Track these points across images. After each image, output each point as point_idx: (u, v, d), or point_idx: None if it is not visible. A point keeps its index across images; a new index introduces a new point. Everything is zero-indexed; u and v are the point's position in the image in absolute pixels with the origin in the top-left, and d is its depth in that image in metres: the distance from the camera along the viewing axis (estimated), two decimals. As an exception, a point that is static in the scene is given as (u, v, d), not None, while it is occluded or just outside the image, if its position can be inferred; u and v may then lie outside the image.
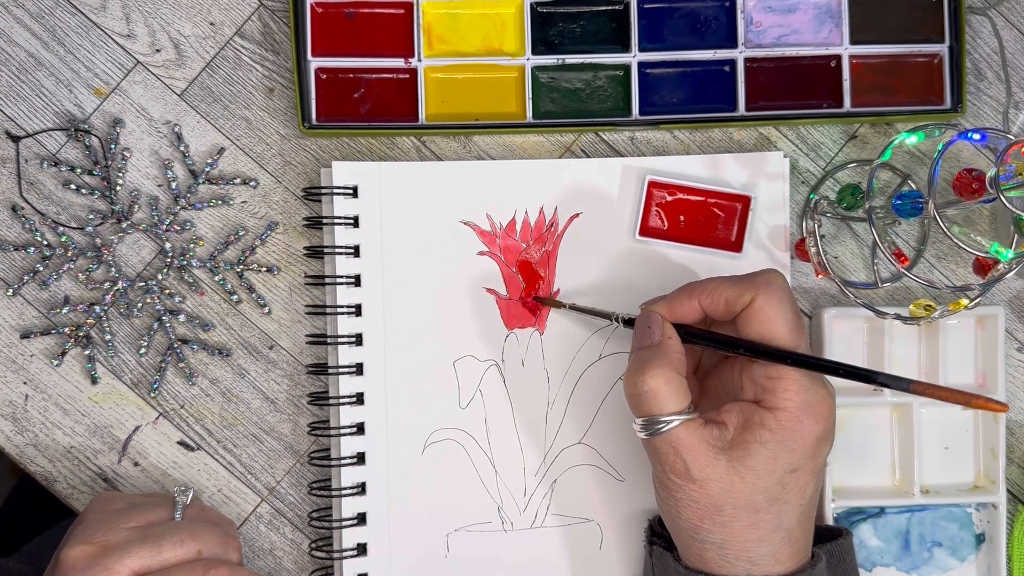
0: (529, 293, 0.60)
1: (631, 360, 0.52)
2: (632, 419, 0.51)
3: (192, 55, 0.60)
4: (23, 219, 0.59)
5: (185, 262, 0.60)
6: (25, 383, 0.60)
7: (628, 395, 0.51)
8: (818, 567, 0.52)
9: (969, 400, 0.45)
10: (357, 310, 0.59)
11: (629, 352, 0.53)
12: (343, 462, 0.58)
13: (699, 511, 0.50)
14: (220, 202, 0.60)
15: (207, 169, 0.60)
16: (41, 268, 0.59)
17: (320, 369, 0.59)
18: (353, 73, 0.60)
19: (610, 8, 0.61)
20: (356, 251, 0.59)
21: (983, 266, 0.57)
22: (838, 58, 0.61)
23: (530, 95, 0.60)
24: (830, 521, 0.60)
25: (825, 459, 0.51)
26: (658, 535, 0.56)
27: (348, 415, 0.59)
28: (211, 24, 0.61)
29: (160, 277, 0.60)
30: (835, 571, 0.54)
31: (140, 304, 0.60)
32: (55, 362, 0.60)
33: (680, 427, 0.49)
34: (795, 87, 0.61)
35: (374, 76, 0.60)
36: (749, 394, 0.51)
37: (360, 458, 0.59)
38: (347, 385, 0.59)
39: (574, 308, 0.58)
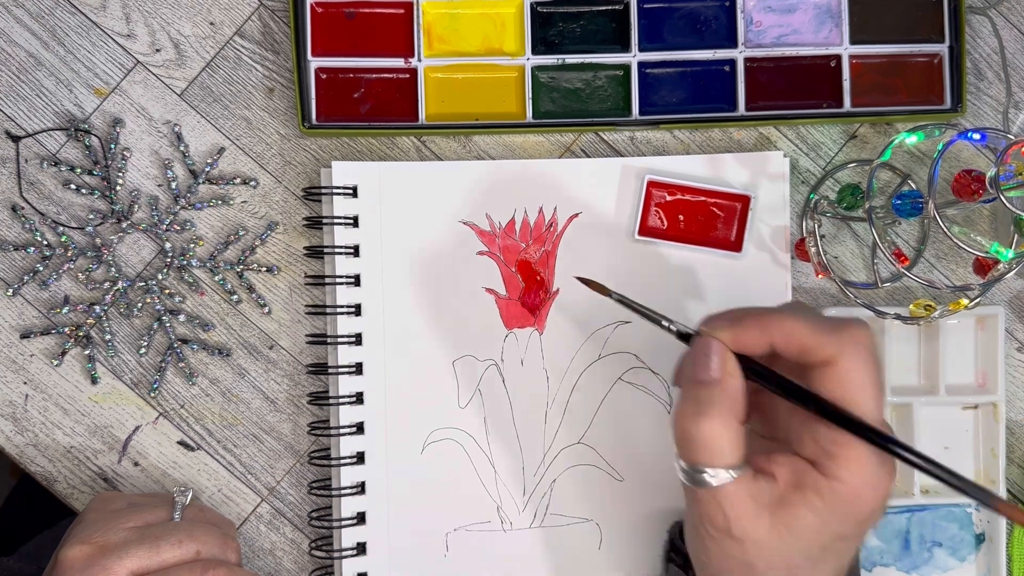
0: (528, 293, 0.60)
1: (684, 396, 0.45)
2: (675, 457, 0.46)
3: (192, 55, 0.60)
4: (23, 219, 0.59)
5: (185, 262, 0.60)
6: (25, 383, 0.60)
7: (678, 437, 0.45)
8: None
9: None
10: (357, 310, 0.59)
11: (675, 375, 0.48)
12: (343, 462, 0.58)
13: (731, 565, 0.45)
14: (220, 202, 0.60)
15: (207, 169, 0.60)
16: (41, 268, 0.59)
17: (320, 369, 0.59)
18: (353, 73, 0.60)
19: (610, 8, 0.61)
20: (356, 251, 0.59)
21: (983, 266, 0.57)
22: (838, 58, 0.61)
23: (530, 95, 0.60)
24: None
25: (873, 527, 0.46)
26: (677, 551, 0.55)
27: (348, 415, 0.59)
28: (211, 24, 0.61)
29: (160, 277, 0.60)
30: None
31: (140, 304, 0.60)
32: (55, 362, 0.60)
33: (733, 484, 0.44)
34: (795, 87, 0.61)
35: (374, 76, 0.60)
36: (808, 451, 0.44)
37: (360, 458, 0.59)
38: (347, 385, 0.59)
39: (621, 301, 0.51)
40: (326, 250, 0.59)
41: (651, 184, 0.60)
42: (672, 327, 0.49)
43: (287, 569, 0.61)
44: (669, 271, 0.60)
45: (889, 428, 0.45)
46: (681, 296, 0.60)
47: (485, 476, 0.60)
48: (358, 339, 0.59)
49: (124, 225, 0.60)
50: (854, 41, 0.61)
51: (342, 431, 0.59)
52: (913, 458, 0.43)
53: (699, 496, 0.45)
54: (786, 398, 0.45)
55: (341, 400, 0.58)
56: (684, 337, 0.48)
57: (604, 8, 0.61)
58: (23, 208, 0.60)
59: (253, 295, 0.60)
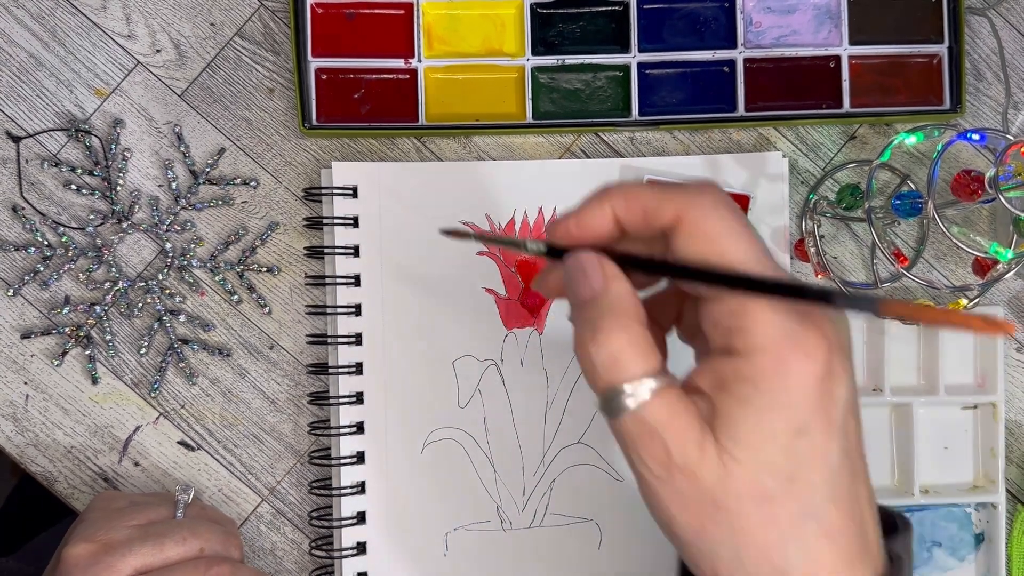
0: (528, 293, 0.60)
1: (576, 320, 0.39)
2: (594, 403, 0.39)
3: (192, 55, 0.61)
4: (24, 219, 0.59)
5: (186, 262, 0.60)
6: (26, 383, 0.60)
7: (584, 369, 0.38)
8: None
9: (967, 321, 0.34)
10: (357, 310, 0.59)
11: (544, 271, 0.43)
12: (343, 461, 0.59)
13: (695, 510, 0.37)
14: (220, 202, 0.60)
15: (207, 169, 0.60)
16: (42, 268, 0.60)
17: (320, 369, 0.59)
18: (353, 74, 0.60)
19: (610, 9, 0.61)
20: (356, 251, 0.59)
21: (982, 266, 0.57)
22: (837, 59, 0.61)
23: (530, 96, 0.60)
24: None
25: (848, 411, 0.37)
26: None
27: (348, 415, 0.59)
28: (211, 24, 0.61)
29: (160, 277, 0.60)
30: None
31: (141, 304, 0.60)
32: (56, 362, 0.60)
33: (654, 398, 0.36)
34: (794, 88, 0.61)
35: (374, 76, 0.60)
36: (717, 342, 0.37)
37: (360, 457, 0.59)
38: (347, 385, 0.59)
39: (481, 239, 0.52)
40: (326, 250, 0.59)
41: (651, 184, 0.60)
42: (531, 247, 0.42)
43: (287, 569, 0.61)
44: (669, 271, 0.60)
45: (776, 268, 0.38)
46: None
47: (485, 476, 0.60)
48: (358, 339, 0.59)
49: (125, 225, 0.60)
50: (853, 42, 0.61)
51: (342, 431, 0.59)
52: (771, 284, 0.36)
53: (627, 429, 0.37)
54: (648, 271, 0.40)
55: (341, 400, 0.59)
56: (552, 253, 0.42)
57: (604, 9, 0.61)
58: (24, 208, 0.60)
59: (253, 295, 0.60)
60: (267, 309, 0.61)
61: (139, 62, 0.60)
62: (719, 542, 0.37)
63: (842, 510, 0.37)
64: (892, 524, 0.41)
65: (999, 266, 0.55)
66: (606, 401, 0.37)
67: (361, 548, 0.59)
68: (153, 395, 0.60)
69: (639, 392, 0.37)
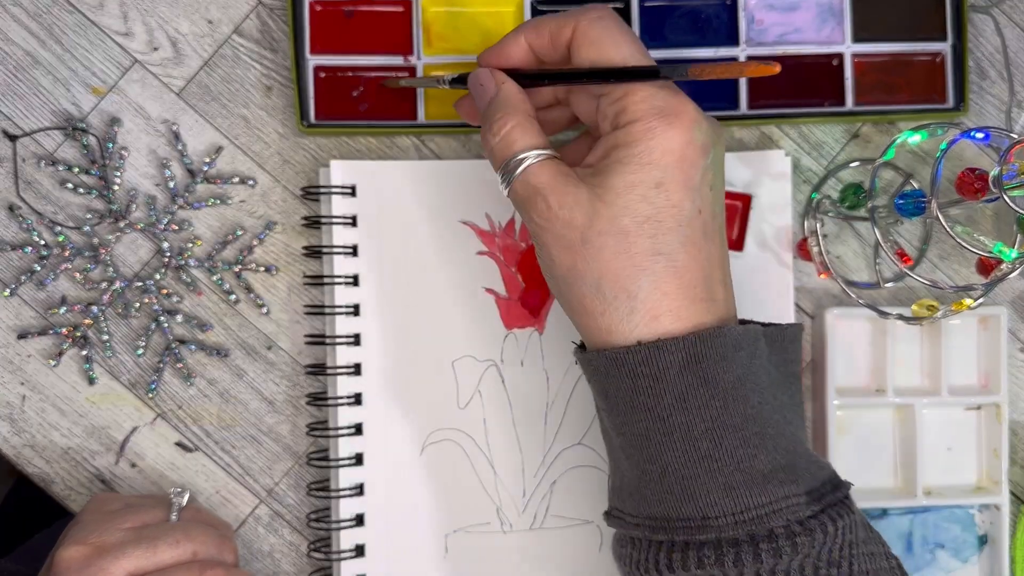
0: (529, 293, 0.60)
1: (483, 121, 0.49)
2: (499, 185, 0.49)
3: (190, 53, 0.60)
4: (20, 219, 0.59)
5: (183, 262, 0.60)
6: (22, 384, 0.60)
7: (488, 155, 0.49)
8: (741, 329, 0.46)
9: (740, 68, 0.44)
10: (355, 310, 0.59)
11: (463, 99, 0.53)
12: (341, 463, 0.58)
13: (569, 249, 0.46)
14: (218, 201, 0.60)
15: (205, 168, 0.60)
16: (38, 268, 0.59)
17: (318, 369, 0.59)
18: (352, 71, 0.60)
19: (610, 6, 0.60)
20: (354, 251, 0.59)
21: (986, 266, 0.57)
22: (840, 56, 0.61)
23: (530, 94, 0.60)
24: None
25: (705, 176, 0.46)
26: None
27: (346, 416, 0.58)
28: (209, 22, 0.60)
29: (158, 277, 0.60)
30: (774, 351, 0.48)
31: (138, 304, 0.59)
32: (52, 362, 0.59)
33: (536, 165, 0.46)
34: (797, 86, 0.61)
35: (373, 74, 0.60)
36: (606, 128, 0.47)
37: (358, 459, 0.58)
38: (345, 386, 0.58)
39: (406, 83, 0.58)
40: (324, 250, 0.59)
41: (652, 183, 0.59)
42: (444, 79, 0.54)
43: (286, 571, 0.61)
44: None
45: (648, 59, 0.48)
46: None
47: (485, 477, 0.59)
48: (357, 339, 0.58)
49: (121, 225, 0.59)
50: (856, 40, 0.61)
51: (341, 432, 0.58)
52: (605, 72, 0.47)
53: (518, 193, 0.47)
54: (552, 82, 0.50)
55: (340, 401, 0.58)
56: (459, 81, 0.53)
57: (605, 6, 0.60)
58: (20, 208, 0.59)
59: (251, 295, 0.60)
60: (265, 309, 0.60)
61: (136, 60, 0.60)
62: (585, 275, 0.46)
63: (690, 255, 0.46)
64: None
65: (1003, 266, 0.54)
66: (503, 176, 0.48)
67: (360, 550, 0.58)
68: (150, 396, 0.60)
69: (526, 162, 0.47)
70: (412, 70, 0.60)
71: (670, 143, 0.45)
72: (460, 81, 0.53)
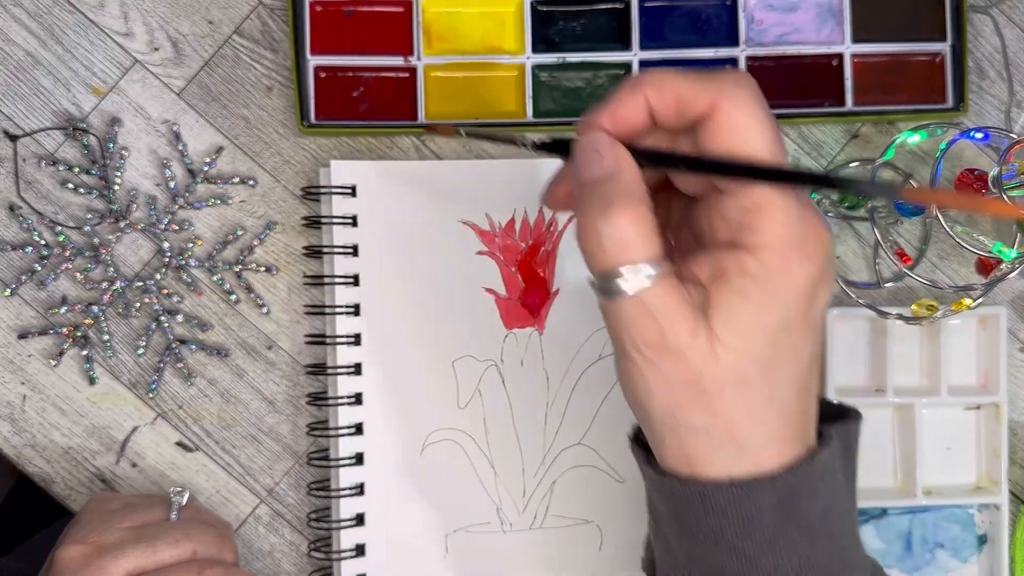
0: (529, 293, 0.60)
1: (582, 200, 0.40)
2: (588, 281, 0.40)
3: (190, 54, 0.60)
4: (21, 219, 0.59)
5: (183, 262, 0.60)
6: (23, 383, 0.60)
7: (586, 246, 0.39)
8: (827, 451, 0.41)
9: (974, 203, 0.37)
10: (356, 310, 0.59)
11: (547, 197, 0.44)
12: (341, 463, 0.58)
13: (676, 391, 0.39)
14: (218, 201, 0.60)
15: (205, 168, 0.60)
16: (39, 268, 0.59)
17: (319, 369, 0.59)
18: (352, 72, 0.60)
19: (611, 6, 0.61)
20: (355, 251, 0.59)
21: (986, 266, 0.57)
22: (840, 57, 0.61)
23: (530, 94, 0.60)
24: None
25: (823, 311, 0.40)
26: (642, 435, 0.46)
27: (347, 415, 0.58)
28: (209, 23, 0.60)
29: (158, 277, 0.60)
30: (844, 458, 0.43)
31: (138, 304, 0.60)
32: (53, 362, 0.59)
33: (654, 284, 0.38)
34: (797, 86, 0.61)
35: (373, 75, 0.60)
36: (722, 234, 0.39)
37: (359, 459, 0.59)
38: (346, 385, 0.58)
39: (471, 134, 0.51)
40: (325, 250, 0.59)
41: (652, 183, 0.59)
42: (531, 143, 0.44)
43: (286, 571, 0.61)
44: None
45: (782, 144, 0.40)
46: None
47: (485, 477, 0.59)
48: (357, 339, 0.59)
49: (122, 225, 0.59)
50: (856, 40, 0.61)
51: (341, 432, 0.58)
52: (814, 177, 0.39)
53: (624, 311, 0.39)
54: (675, 168, 0.41)
55: (340, 401, 0.58)
56: (555, 148, 0.43)
57: (605, 6, 0.60)
58: (21, 208, 0.59)
59: (251, 295, 0.60)
60: (265, 309, 0.60)
61: (137, 60, 0.60)
62: (692, 419, 0.39)
63: (801, 400, 0.40)
64: (842, 412, 0.45)
65: (1002, 266, 0.55)
66: (604, 281, 0.39)
67: (360, 550, 0.58)
68: (151, 396, 0.60)
69: (639, 276, 0.38)
70: (412, 70, 0.60)
71: (804, 281, 0.38)
72: (551, 148, 0.42)
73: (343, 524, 0.58)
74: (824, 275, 0.39)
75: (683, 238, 0.43)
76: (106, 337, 0.59)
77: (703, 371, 0.38)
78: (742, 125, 0.38)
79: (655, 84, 0.40)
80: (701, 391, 0.39)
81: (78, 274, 0.59)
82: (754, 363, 0.39)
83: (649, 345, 0.39)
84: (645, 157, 0.40)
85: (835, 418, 0.44)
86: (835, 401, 0.47)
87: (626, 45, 0.60)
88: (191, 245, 0.60)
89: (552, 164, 0.44)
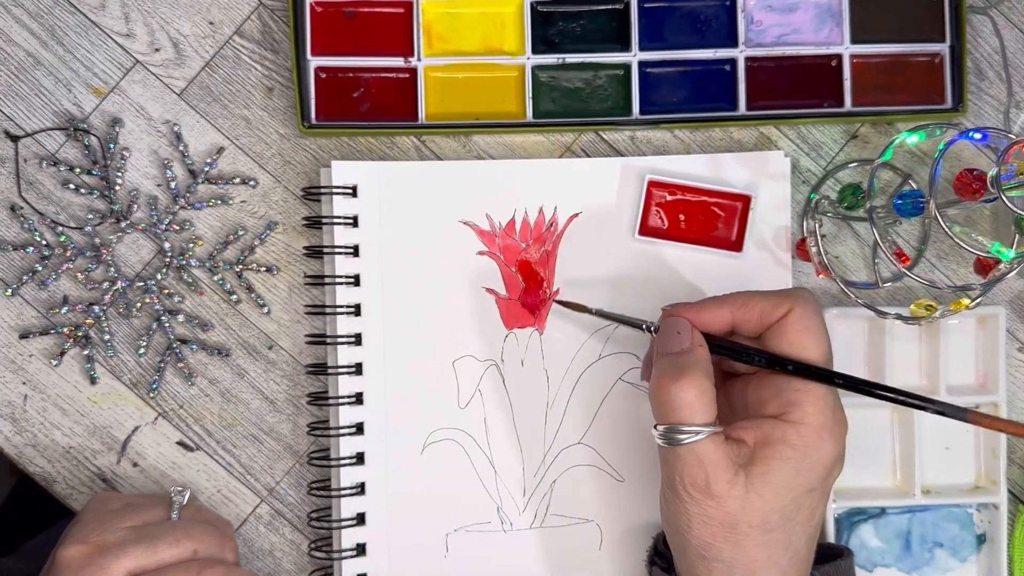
0: (529, 293, 0.60)
1: (660, 366, 0.50)
2: (652, 425, 0.50)
3: (191, 54, 0.60)
4: (22, 219, 0.59)
5: (184, 262, 0.60)
6: (24, 383, 0.60)
7: (657, 401, 0.49)
8: None
9: None
10: (356, 310, 0.59)
11: (648, 357, 0.53)
12: (342, 462, 0.58)
13: (712, 528, 0.49)
14: (219, 202, 0.60)
15: (206, 169, 0.60)
16: (40, 268, 0.59)
17: (319, 369, 0.59)
18: (353, 72, 0.60)
19: (610, 7, 0.61)
20: (355, 251, 0.59)
21: (984, 266, 0.57)
22: (839, 57, 0.61)
23: (530, 94, 0.60)
24: (831, 523, 0.60)
25: (834, 484, 0.51)
26: (661, 555, 0.56)
27: (347, 415, 0.58)
28: (210, 23, 0.60)
29: (159, 277, 0.60)
30: None
31: (139, 304, 0.60)
32: (54, 362, 0.60)
33: (707, 440, 0.48)
34: (796, 86, 0.61)
35: (374, 75, 0.60)
36: (771, 409, 0.50)
37: (359, 458, 0.59)
38: (346, 385, 0.58)
39: (600, 314, 0.56)
40: (326, 250, 0.59)
41: (652, 184, 0.60)
42: (650, 327, 0.54)
43: (286, 570, 0.61)
44: (670, 271, 0.60)
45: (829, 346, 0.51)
46: (682, 296, 0.60)
47: (485, 477, 0.60)
48: (358, 339, 0.59)
49: (123, 225, 0.60)
50: (855, 40, 0.61)
51: (342, 431, 0.58)
52: (880, 390, 0.49)
53: (680, 456, 0.49)
54: (752, 363, 0.51)
55: (341, 400, 0.58)
56: (658, 331, 0.53)
57: (604, 7, 0.61)
58: (22, 208, 0.59)
59: (252, 295, 0.60)
60: (266, 309, 0.60)
61: (138, 61, 0.60)
62: (722, 553, 0.49)
63: (809, 547, 0.51)
64: (838, 551, 0.55)
65: (1001, 266, 0.55)
66: (668, 432, 0.49)
67: (361, 549, 0.59)
68: (152, 395, 0.60)
69: (700, 435, 0.48)
70: (413, 71, 0.60)
71: (831, 457, 0.49)
72: (655, 331, 0.53)
73: (344, 524, 0.58)
74: (842, 455, 0.50)
75: (735, 405, 0.53)
76: (107, 337, 0.60)
77: (737, 515, 0.48)
78: (807, 327, 0.50)
79: (740, 302, 0.51)
80: (733, 530, 0.48)
81: (79, 274, 0.60)
82: (779, 514, 0.48)
83: (696, 488, 0.48)
84: (719, 347, 0.51)
85: (830, 558, 0.54)
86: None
87: (625, 46, 0.60)
88: (192, 245, 0.60)
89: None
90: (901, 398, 0.50)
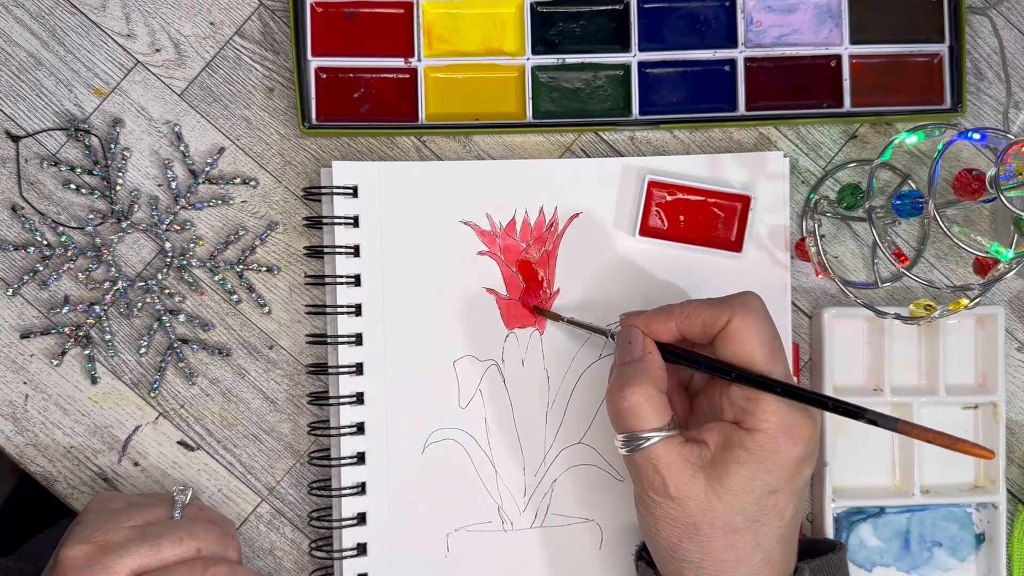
0: (529, 293, 0.60)
1: (613, 376, 0.52)
2: (614, 434, 0.51)
3: (192, 55, 0.60)
4: (23, 219, 0.59)
5: (185, 262, 0.60)
6: (25, 383, 0.60)
7: (610, 411, 0.51)
8: None
9: (954, 444, 0.46)
10: (357, 310, 0.59)
11: (611, 367, 0.53)
12: (343, 462, 0.58)
13: (677, 529, 0.50)
14: (220, 202, 0.60)
15: (207, 169, 0.60)
16: (41, 268, 0.59)
17: (320, 369, 0.59)
18: (353, 73, 0.60)
19: (610, 8, 0.61)
20: (356, 251, 0.59)
21: (983, 266, 0.57)
22: (838, 58, 0.61)
23: (530, 95, 0.60)
24: (829, 522, 0.60)
25: (806, 481, 0.51)
26: (647, 549, 0.56)
27: (348, 415, 0.59)
28: (211, 24, 0.61)
29: (160, 277, 0.60)
30: None
31: (140, 304, 0.60)
32: (55, 362, 0.60)
33: (659, 444, 0.49)
34: (795, 87, 0.61)
35: (374, 76, 0.60)
36: (729, 415, 0.51)
37: (360, 458, 0.59)
38: (347, 385, 0.59)
39: (571, 323, 0.58)
40: (326, 250, 0.59)
41: (652, 184, 0.60)
42: (613, 334, 0.55)
43: (287, 569, 0.61)
44: (669, 271, 0.60)
45: (790, 377, 0.51)
46: (681, 296, 0.60)
47: (486, 476, 0.60)
48: (358, 339, 0.59)
49: (124, 225, 0.60)
50: (854, 41, 0.61)
51: (342, 431, 0.58)
52: (809, 397, 0.49)
53: (637, 463, 0.50)
54: (699, 370, 0.52)
55: (341, 400, 0.58)
56: (615, 337, 0.55)
57: (604, 8, 0.61)
58: (23, 208, 0.60)
59: (253, 295, 0.60)
60: (267, 309, 0.60)
61: (138, 61, 0.60)
62: (689, 554, 0.50)
63: (782, 548, 0.51)
64: (831, 546, 0.56)
65: (1000, 266, 0.55)
66: (626, 442, 0.50)
67: (361, 549, 0.59)
68: (152, 395, 0.60)
69: (652, 440, 0.49)
70: (413, 72, 0.60)
71: (789, 458, 0.49)
72: (613, 337, 0.55)
73: (344, 523, 0.58)
74: (808, 455, 0.50)
75: (700, 406, 0.54)
76: (108, 337, 0.60)
77: (698, 517, 0.49)
78: (746, 337, 0.50)
79: (684, 314, 0.52)
80: (696, 532, 0.49)
81: (80, 274, 0.60)
82: (743, 515, 0.49)
83: (655, 491, 0.50)
84: (672, 354, 0.52)
85: (822, 552, 0.55)
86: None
87: (625, 46, 0.61)
88: (193, 245, 0.60)
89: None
90: (837, 407, 0.49)
